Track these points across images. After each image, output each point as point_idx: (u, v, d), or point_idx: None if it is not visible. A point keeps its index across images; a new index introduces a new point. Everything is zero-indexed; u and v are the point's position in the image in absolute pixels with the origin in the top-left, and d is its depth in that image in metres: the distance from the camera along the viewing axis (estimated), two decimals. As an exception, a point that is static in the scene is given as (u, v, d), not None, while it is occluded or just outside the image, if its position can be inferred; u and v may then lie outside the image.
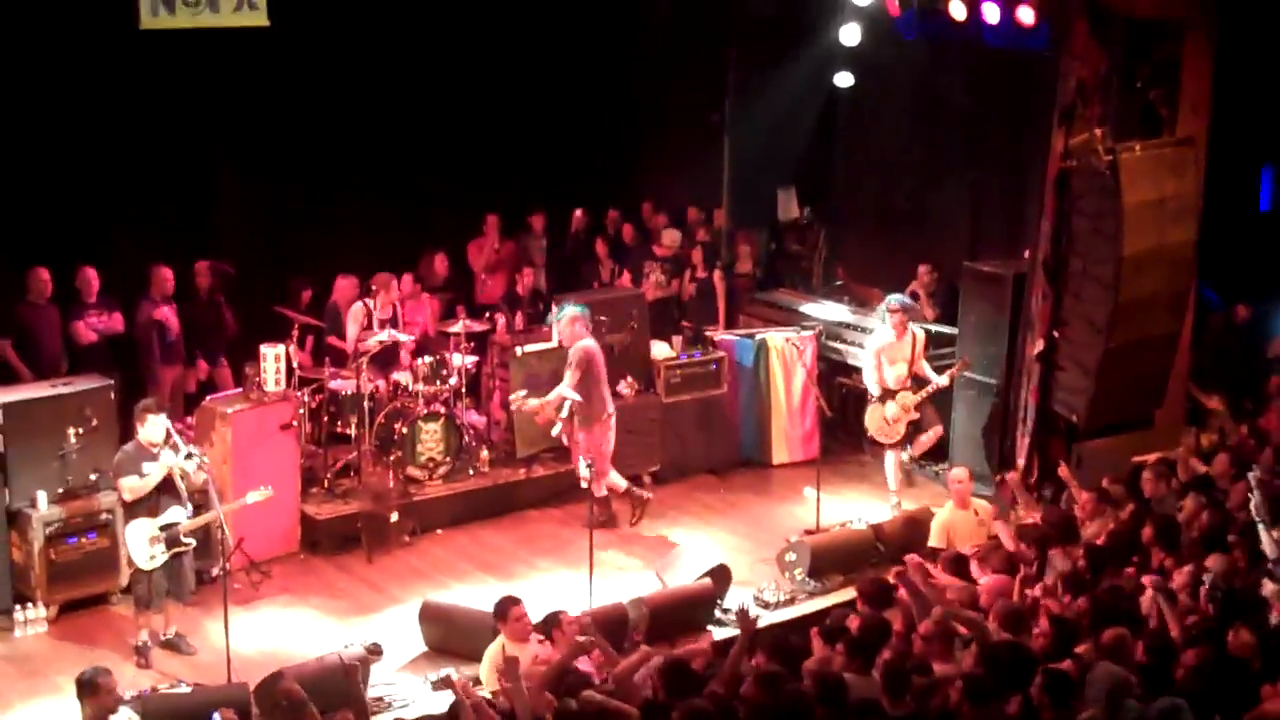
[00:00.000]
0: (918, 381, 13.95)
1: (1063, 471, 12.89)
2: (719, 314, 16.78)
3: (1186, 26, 13.28)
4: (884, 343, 14.00)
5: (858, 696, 8.32)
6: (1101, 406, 13.44)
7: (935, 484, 14.37)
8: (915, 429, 13.98)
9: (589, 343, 13.23)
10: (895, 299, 14.15)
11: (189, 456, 10.91)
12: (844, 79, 16.65)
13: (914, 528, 12.67)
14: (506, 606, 10.01)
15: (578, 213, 17.69)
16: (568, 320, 13.29)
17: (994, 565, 10.92)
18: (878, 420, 14.07)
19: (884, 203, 17.14)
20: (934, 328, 15.22)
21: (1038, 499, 13.33)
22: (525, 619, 9.98)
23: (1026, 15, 13.12)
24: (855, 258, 17.46)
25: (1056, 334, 13.56)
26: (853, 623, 9.48)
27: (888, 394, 13.95)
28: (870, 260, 17.21)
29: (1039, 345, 13.58)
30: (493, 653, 9.93)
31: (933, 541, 12.15)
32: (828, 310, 16.00)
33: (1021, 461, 13.75)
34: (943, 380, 13.91)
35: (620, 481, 13.55)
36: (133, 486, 10.80)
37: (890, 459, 14.13)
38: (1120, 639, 8.87)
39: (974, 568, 10.99)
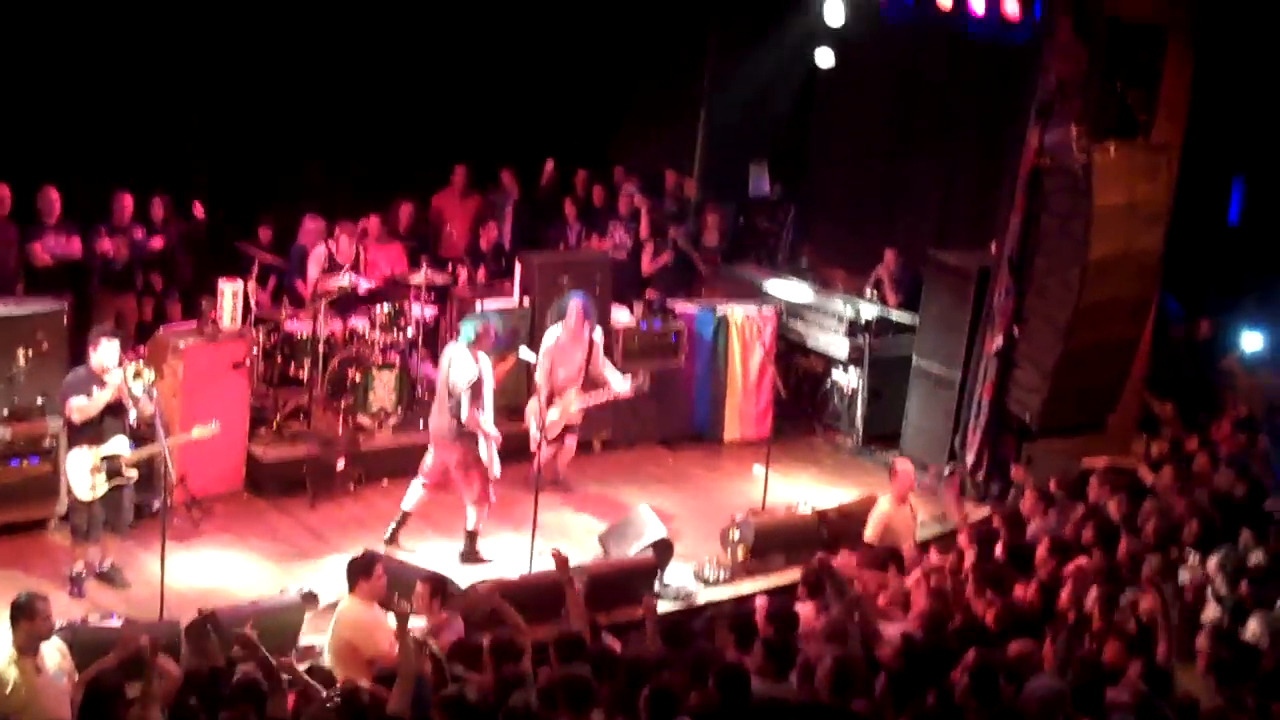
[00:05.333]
0: (590, 382, 13.07)
1: (1016, 473, 12.92)
2: (689, 283, 16.66)
3: (1169, 31, 13.20)
4: (555, 343, 12.87)
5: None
6: (1055, 407, 13.45)
7: (882, 472, 13.74)
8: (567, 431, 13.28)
9: None
10: (577, 296, 12.96)
11: (137, 375, 10.66)
12: (825, 57, 16.62)
13: (858, 517, 12.51)
14: (372, 563, 9.62)
15: (549, 164, 17.59)
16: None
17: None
18: (538, 417, 12.78)
19: (855, 184, 17.15)
20: (895, 315, 15.22)
21: (984, 496, 13.39)
22: (385, 578, 9.65)
23: (1012, 6, 13.18)
24: (823, 238, 17.48)
25: (1016, 331, 13.54)
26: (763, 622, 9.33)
27: (554, 394, 12.84)
28: (837, 242, 17.23)
29: (998, 341, 13.56)
30: (352, 614, 9.44)
31: (869, 535, 11.98)
32: (791, 289, 15.95)
33: (971, 457, 13.75)
34: (623, 387, 13.05)
35: None
36: (81, 407, 10.63)
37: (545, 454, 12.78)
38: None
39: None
